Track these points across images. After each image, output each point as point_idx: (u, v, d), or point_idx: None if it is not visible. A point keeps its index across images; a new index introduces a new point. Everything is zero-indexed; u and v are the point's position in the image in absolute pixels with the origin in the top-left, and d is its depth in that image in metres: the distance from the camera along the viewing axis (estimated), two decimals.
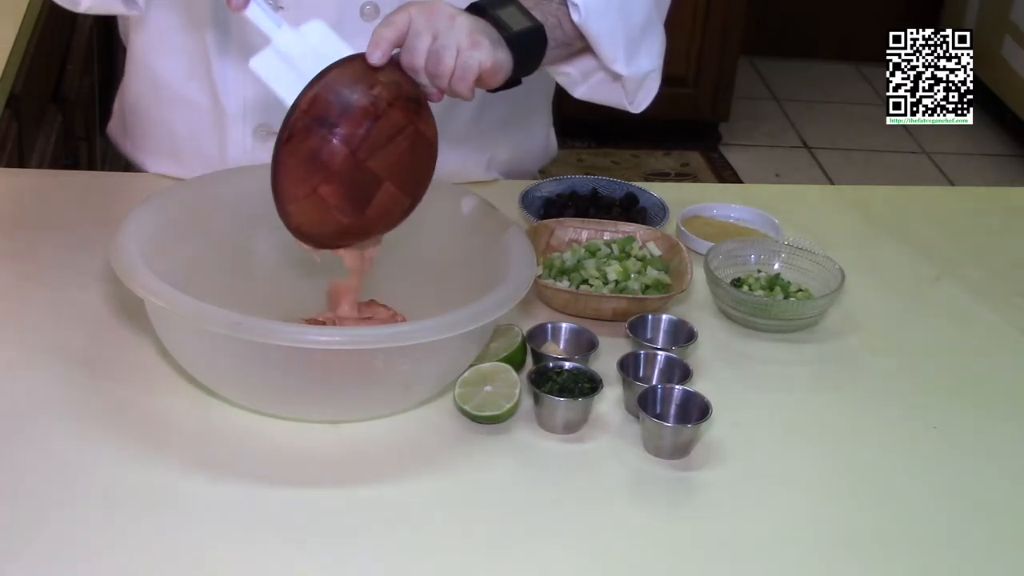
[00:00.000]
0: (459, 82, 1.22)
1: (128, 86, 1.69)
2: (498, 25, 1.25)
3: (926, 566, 1.14)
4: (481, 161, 1.68)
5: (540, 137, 1.78)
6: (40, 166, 2.15)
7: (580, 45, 1.38)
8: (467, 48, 1.21)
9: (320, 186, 1.19)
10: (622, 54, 1.39)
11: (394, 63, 1.21)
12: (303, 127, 1.18)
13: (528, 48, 1.28)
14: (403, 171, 1.23)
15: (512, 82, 1.29)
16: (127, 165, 1.73)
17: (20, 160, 2.03)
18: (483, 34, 1.23)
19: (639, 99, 1.46)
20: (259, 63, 1.22)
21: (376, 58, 1.19)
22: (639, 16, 1.41)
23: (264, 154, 1.57)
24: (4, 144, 1.94)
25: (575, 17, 1.34)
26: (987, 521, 1.20)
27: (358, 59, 1.20)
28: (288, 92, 1.21)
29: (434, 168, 1.26)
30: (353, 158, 1.19)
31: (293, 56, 1.21)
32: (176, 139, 1.63)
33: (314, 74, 1.19)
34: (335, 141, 1.18)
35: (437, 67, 1.20)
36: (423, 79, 1.22)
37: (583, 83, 1.45)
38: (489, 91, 1.29)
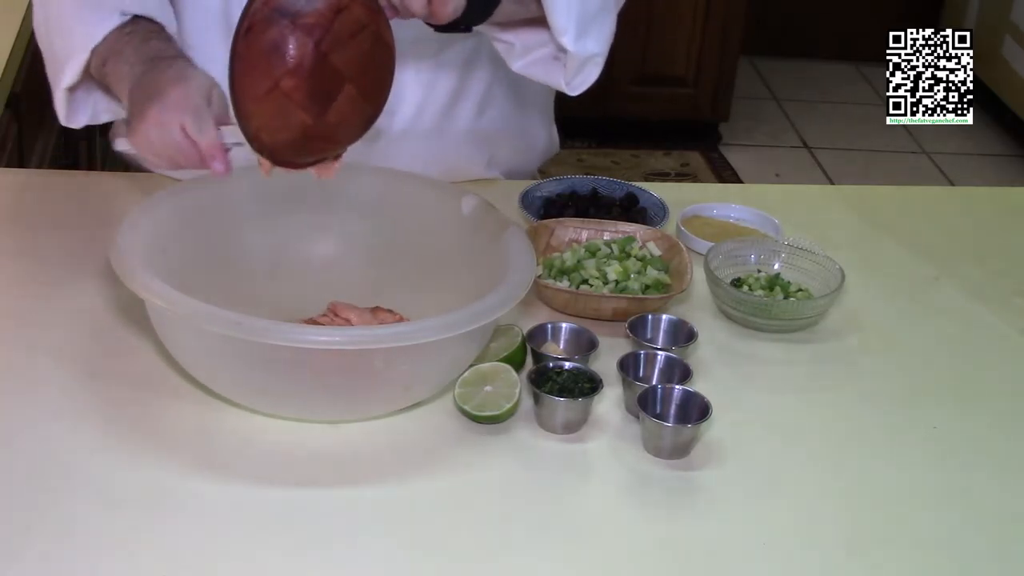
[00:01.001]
0: None
1: None
2: None
3: (926, 566, 1.14)
4: (482, 159, 1.68)
5: (541, 134, 1.77)
6: (40, 166, 2.15)
7: (534, 11, 1.36)
8: None
9: (282, 79, 1.15)
10: (573, 28, 1.37)
11: None
12: (264, 18, 1.13)
13: None
14: (364, 73, 1.20)
15: (462, 25, 1.27)
16: (127, 165, 1.73)
17: (20, 160, 2.03)
18: None
19: (577, 81, 1.43)
20: (229, 135, 1.23)
21: None
22: None
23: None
24: (4, 144, 1.94)
25: None
26: (987, 521, 1.20)
27: None
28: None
29: (393, 78, 1.23)
30: (316, 50, 1.15)
31: None
32: None
33: None
34: (298, 32, 1.14)
35: None
36: None
37: (523, 56, 1.43)
38: (437, 29, 1.27)
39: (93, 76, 1.39)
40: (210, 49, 1.43)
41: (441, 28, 1.28)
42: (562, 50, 1.39)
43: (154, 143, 1.24)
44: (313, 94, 1.17)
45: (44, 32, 1.44)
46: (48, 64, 1.44)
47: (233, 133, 1.22)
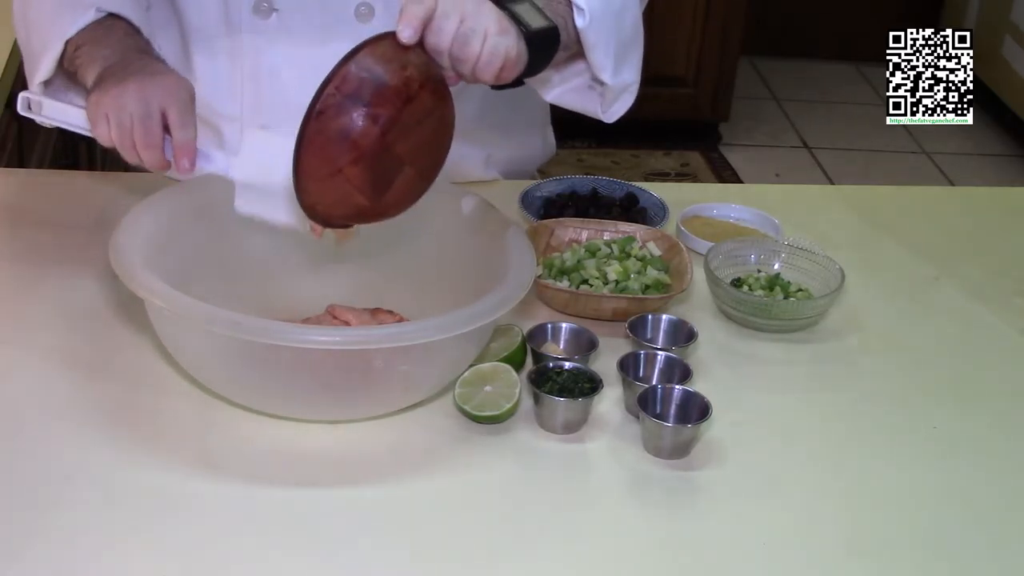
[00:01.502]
0: (485, 67, 1.19)
1: None
2: (517, 20, 1.23)
3: (926, 566, 1.14)
4: (480, 158, 1.68)
5: (539, 136, 1.77)
6: (40, 166, 2.15)
7: (574, 50, 1.38)
8: (495, 34, 1.19)
9: (346, 167, 1.15)
10: (611, 64, 1.37)
11: (418, 45, 1.18)
12: (335, 104, 1.14)
13: (543, 48, 1.27)
14: (424, 156, 1.21)
15: (517, 81, 1.28)
16: (127, 165, 1.72)
17: (20, 160, 2.03)
18: (509, 23, 1.21)
19: (615, 109, 1.43)
20: (242, 205, 1.26)
21: (407, 35, 1.15)
22: (630, 26, 1.40)
23: None
24: (4, 144, 1.94)
25: (579, 22, 1.32)
26: (987, 521, 1.20)
27: (388, 37, 1.16)
28: (280, 215, 1.25)
29: (448, 152, 1.24)
30: (383, 140, 1.15)
31: (257, 181, 1.25)
32: None
33: (284, 181, 1.19)
34: (368, 121, 1.14)
35: (463, 50, 1.18)
36: (445, 62, 1.19)
37: (559, 87, 1.43)
38: (494, 87, 1.28)
39: (65, 70, 1.37)
40: (214, 42, 1.44)
41: (497, 86, 1.27)
42: (598, 81, 1.40)
43: (122, 114, 1.22)
44: (374, 181, 1.18)
45: (23, 29, 1.44)
46: (26, 61, 1.43)
47: (207, 148, 1.26)
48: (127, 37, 1.35)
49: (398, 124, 1.15)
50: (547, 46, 1.28)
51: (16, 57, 1.93)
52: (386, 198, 1.19)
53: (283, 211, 1.25)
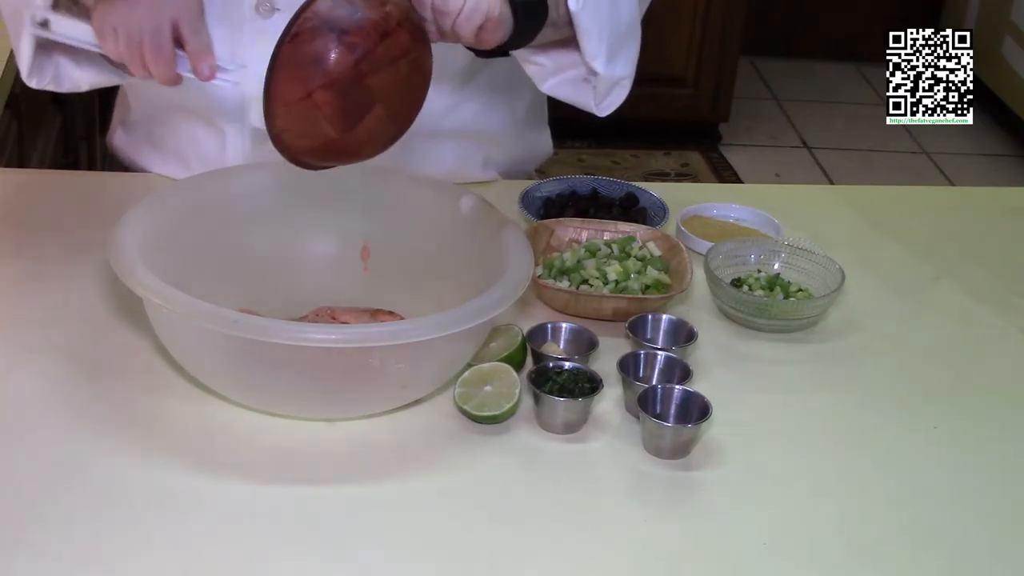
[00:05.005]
0: (464, 23, 1.20)
1: (128, 89, 1.69)
2: None
3: (925, 566, 1.14)
4: (478, 159, 1.68)
5: (537, 137, 1.77)
6: (40, 166, 2.15)
7: (566, 32, 1.37)
8: None
9: (317, 91, 1.16)
10: (604, 53, 1.38)
11: None
12: (311, 28, 1.14)
13: (529, 17, 1.27)
14: (397, 97, 1.21)
15: (501, 51, 1.28)
16: (127, 166, 1.73)
17: (20, 160, 2.03)
18: None
19: (607, 103, 1.44)
20: (257, 119, 1.24)
21: None
22: (626, 19, 1.40)
23: (262, 158, 1.57)
24: (4, 144, 1.94)
25: (572, 5, 1.33)
26: (987, 521, 1.20)
27: None
28: None
29: (423, 101, 1.24)
30: (356, 69, 1.16)
31: None
32: (175, 141, 1.64)
33: None
34: (342, 48, 1.15)
35: (446, 4, 1.19)
36: (428, 14, 1.20)
37: (554, 76, 1.43)
38: (479, 54, 1.28)
39: (63, 6, 1.33)
40: (215, 41, 1.44)
41: (482, 53, 1.28)
42: (592, 73, 1.40)
43: (131, 26, 1.20)
44: (343, 110, 1.18)
45: None
46: (12, 14, 1.38)
47: (222, 61, 1.23)
48: None
49: (372, 56, 1.16)
50: (534, 17, 1.28)
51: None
52: (354, 133, 1.20)
53: None
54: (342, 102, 1.17)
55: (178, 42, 1.23)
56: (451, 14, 1.20)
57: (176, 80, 1.23)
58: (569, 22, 1.35)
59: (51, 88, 1.43)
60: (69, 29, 1.28)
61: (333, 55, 1.15)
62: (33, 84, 1.41)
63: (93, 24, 1.24)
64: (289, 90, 1.16)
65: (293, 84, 1.16)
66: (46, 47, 1.38)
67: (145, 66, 1.22)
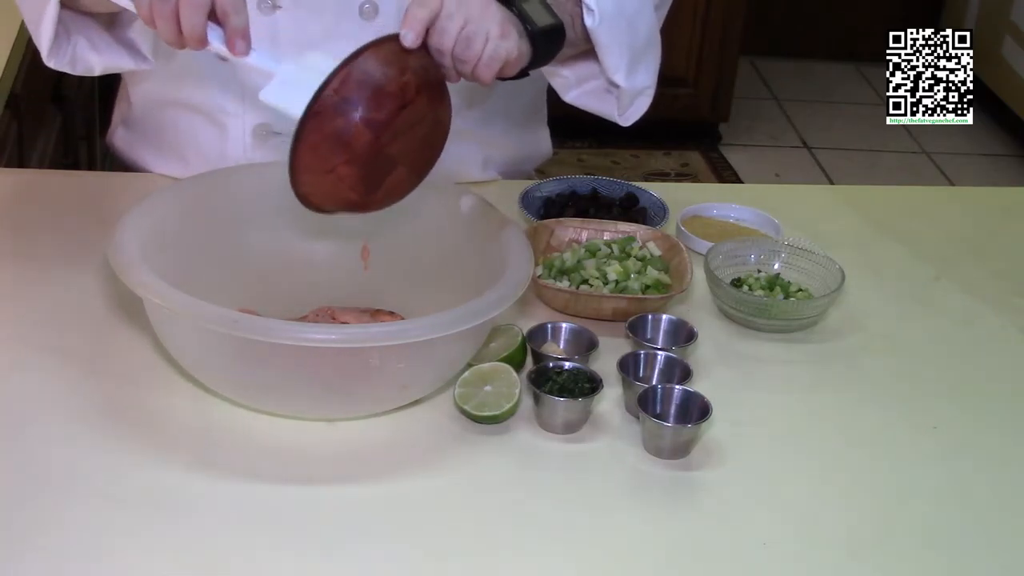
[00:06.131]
0: (484, 69, 1.22)
1: (128, 89, 1.69)
2: (523, 18, 1.26)
3: (925, 566, 1.14)
4: (478, 159, 1.68)
5: (536, 137, 1.78)
6: (40, 166, 2.15)
7: (584, 47, 1.39)
8: (497, 37, 1.22)
9: (340, 166, 1.18)
10: (624, 66, 1.40)
11: (422, 45, 1.21)
12: (332, 105, 1.16)
13: (548, 45, 1.29)
14: (417, 156, 1.23)
15: (521, 74, 1.30)
16: (127, 166, 1.73)
17: (20, 160, 2.03)
18: (512, 25, 1.24)
19: (630, 113, 1.47)
20: (268, 94, 1.22)
21: (410, 40, 1.19)
22: (645, 30, 1.42)
23: (263, 154, 1.58)
24: (4, 144, 1.94)
25: (588, 22, 1.34)
26: (987, 521, 1.20)
27: (391, 40, 1.19)
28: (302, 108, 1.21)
29: (442, 150, 1.26)
30: (376, 143, 1.18)
31: (300, 80, 1.20)
32: (176, 140, 1.64)
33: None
34: (362, 125, 1.17)
35: (466, 52, 1.21)
36: (447, 61, 1.22)
37: (576, 88, 1.45)
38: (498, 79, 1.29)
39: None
40: None
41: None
42: (614, 85, 1.40)
43: None
44: (365, 179, 1.20)
45: None
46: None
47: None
48: None
49: (391, 128, 1.18)
50: (552, 42, 1.30)
51: (16, 56, 1.93)
52: (376, 195, 1.22)
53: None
54: (364, 173, 1.19)
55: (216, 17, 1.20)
56: (470, 63, 1.22)
57: (203, 41, 1.19)
58: (587, 38, 1.36)
59: (67, 70, 1.43)
60: None
61: (353, 134, 1.17)
62: (52, 64, 1.42)
63: None
64: (313, 163, 1.18)
65: (316, 159, 1.18)
66: (66, 28, 1.39)
67: (175, 18, 1.18)
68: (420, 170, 1.24)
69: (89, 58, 1.43)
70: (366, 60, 1.17)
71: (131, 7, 1.23)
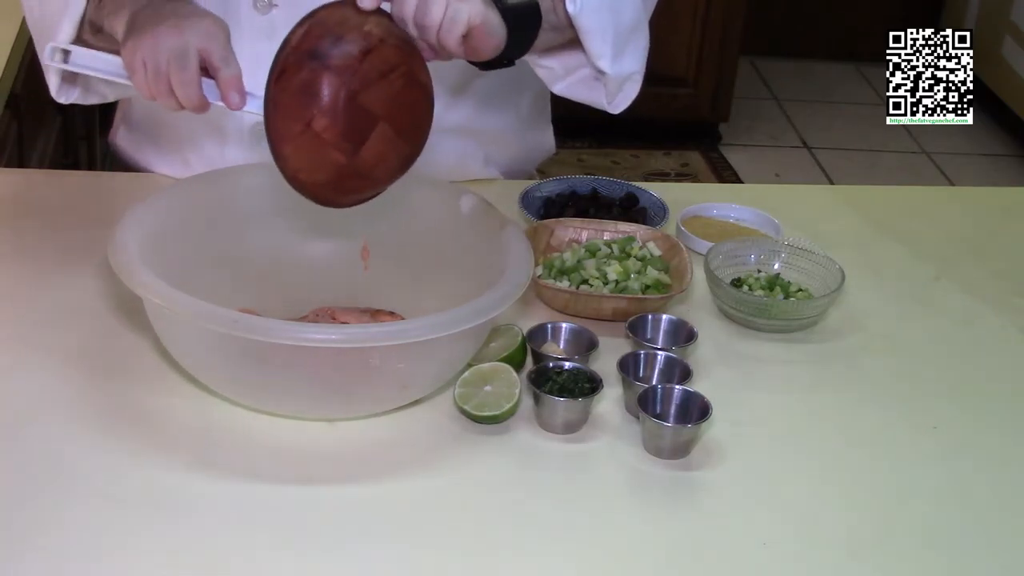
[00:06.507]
0: (447, 34, 1.21)
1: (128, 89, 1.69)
2: None
3: (925, 566, 1.14)
4: (479, 157, 1.68)
5: (538, 136, 1.77)
6: (40, 166, 2.15)
7: (570, 35, 1.38)
8: (456, 0, 1.20)
9: (314, 120, 1.17)
10: (609, 52, 1.38)
11: (385, 15, 1.21)
12: (294, 62, 1.16)
13: (522, 24, 1.28)
14: (398, 112, 1.22)
15: (505, 61, 1.29)
16: (127, 166, 1.73)
17: (20, 160, 2.03)
18: None
19: (619, 100, 1.45)
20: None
21: (367, 3, 1.18)
22: (629, 15, 1.41)
23: (263, 154, 1.57)
24: (4, 144, 1.94)
25: (570, 8, 1.33)
26: (987, 521, 1.20)
27: (348, 3, 1.19)
28: None
29: (432, 116, 1.25)
30: (346, 90, 1.17)
31: None
32: (176, 140, 1.64)
33: None
34: (328, 73, 1.17)
35: (425, 17, 1.20)
36: (412, 31, 1.21)
37: (564, 79, 1.44)
38: (481, 67, 1.28)
39: (88, 34, 1.35)
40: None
41: (484, 65, 1.29)
42: (600, 72, 1.40)
43: (159, 57, 1.19)
44: (345, 133, 1.19)
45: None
46: (41, 32, 1.40)
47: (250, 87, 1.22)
48: None
49: (358, 74, 1.17)
50: (528, 22, 1.29)
51: (16, 56, 1.93)
52: (362, 155, 1.20)
53: None
54: (342, 124, 1.18)
55: (206, 73, 1.22)
56: (432, 27, 1.21)
57: (204, 106, 1.22)
58: (571, 24, 1.35)
59: (80, 102, 1.45)
60: (90, 60, 1.28)
61: (321, 81, 1.17)
62: (62, 100, 1.43)
63: (123, 59, 1.23)
64: (288, 126, 1.18)
65: (290, 119, 1.18)
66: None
67: (173, 93, 1.21)
68: (409, 134, 1.23)
69: (102, 89, 1.44)
70: (322, 16, 1.17)
71: (125, 80, 1.24)
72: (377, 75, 1.19)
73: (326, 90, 1.17)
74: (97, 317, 1.37)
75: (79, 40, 1.34)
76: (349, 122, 1.19)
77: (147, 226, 1.28)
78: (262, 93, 1.21)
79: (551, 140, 1.80)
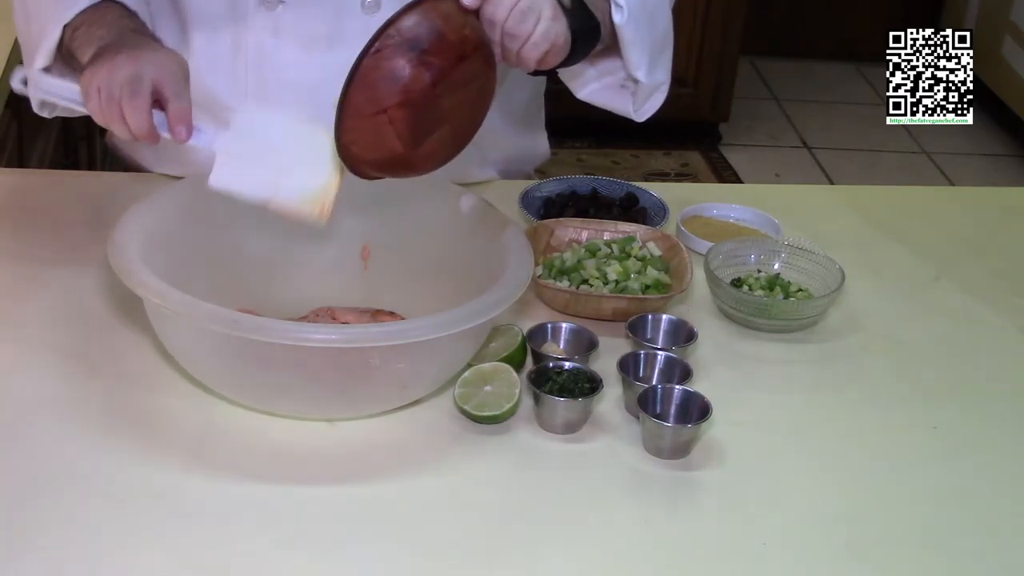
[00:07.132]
0: (532, 48, 1.22)
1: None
2: (565, 13, 1.26)
3: (925, 566, 1.14)
4: (474, 157, 1.68)
5: (533, 139, 1.78)
6: (40, 166, 2.15)
7: (608, 43, 1.39)
8: (549, 18, 1.21)
9: (392, 108, 1.17)
10: (646, 62, 1.40)
11: (476, 13, 1.20)
12: (393, 44, 1.16)
13: (583, 44, 1.29)
14: (462, 119, 1.23)
15: (549, 71, 1.30)
16: (127, 165, 1.73)
17: (20, 160, 2.03)
18: (563, 13, 1.24)
19: (646, 108, 1.47)
20: (216, 180, 1.23)
21: (470, 2, 1.18)
22: (663, 26, 1.43)
23: None
24: (4, 144, 1.94)
25: (617, 18, 1.35)
26: (987, 521, 1.20)
27: (449, 0, 1.18)
28: (257, 189, 1.23)
29: (480, 125, 1.26)
30: (432, 90, 1.17)
31: (241, 153, 1.23)
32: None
33: (271, 155, 1.21)
34: (422, 68, 1.16)
35: (518, 27, 1.20)
36: (497, 35, 1.21)
37: (594, 83, 1.46)
38: (530, 72, 1.29)
39: (64, 57, 1.37)
40: (218, 33, 1.44)
41: (535, 72, 1.29)
42: (633, 81, 1.41)
43: (113, 85, 1.21)
44: (414, 128, 1.19)
45: (23, 19, 1.44)
46: (25, 52, 1.43)
47: (199, 121, 1.23)
48: (122, 19, 1.35)
49: (448, 79, 1.17)
50: (588, 43, 1.30)
51: (16, 56, 1.93)
52: (420, 150, 1.21)
53: (263, 187, 1.24)
54: (414, 120, 1.18)
55: (160, 105, 1.23)
56: (521, 38, 1.21)
57: (153, 136, 1.23)
58: (612, 35, 1.36)
59: (66, 115, 1.45)
60: (55, 88, 1.30)
61: (413, 74, 1.16)
62: (45, 115, 1.43)
63: (80, 85, 1.25)
64: (365, 104, 1.17)
65: (370, 99, 1.17)
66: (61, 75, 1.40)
67: (124, 120, 1.22)
68: (460, 138, 1.24)
69: (78, 108, 1.44)
70: (428, 8, 1.16)
71: (82, 108, 1.26)
72: (462, 83, 1.19)
73: (415, 87, 1.16)
74: (97, 317, 1.37)
75: (56, 64, 1.36)
76: (422, 120, 1.19)
77: (147, 226, 1.28)
78: (210, 128, 1.22)
79: (545, 145, 1.81)
